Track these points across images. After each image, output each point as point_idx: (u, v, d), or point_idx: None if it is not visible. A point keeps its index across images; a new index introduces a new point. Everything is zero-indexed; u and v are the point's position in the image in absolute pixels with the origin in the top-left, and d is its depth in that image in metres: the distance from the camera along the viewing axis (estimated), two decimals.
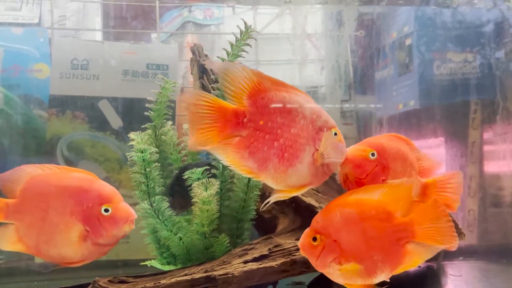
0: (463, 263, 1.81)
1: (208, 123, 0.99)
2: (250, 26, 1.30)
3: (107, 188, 1.14)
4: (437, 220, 1.03)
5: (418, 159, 1.24)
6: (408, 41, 2.25)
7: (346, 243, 1.03)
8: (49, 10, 2.22)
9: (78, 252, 1.12)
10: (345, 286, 1.08)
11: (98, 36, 2.34)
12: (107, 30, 2.24)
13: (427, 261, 1.65)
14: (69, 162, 1.81)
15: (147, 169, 1.29)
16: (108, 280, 1.19)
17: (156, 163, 1.34)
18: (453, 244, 1.03)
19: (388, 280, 1.07)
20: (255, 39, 1.32)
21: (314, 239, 1.04)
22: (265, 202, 1.06)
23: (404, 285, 1.54)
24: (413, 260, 1.05)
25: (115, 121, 1.87)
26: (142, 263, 1.41)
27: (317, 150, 1.02)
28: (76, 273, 1.62)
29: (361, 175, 1.13)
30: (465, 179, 2.05)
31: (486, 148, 2.08)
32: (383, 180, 1.14)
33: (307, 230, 1.07)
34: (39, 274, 1.67)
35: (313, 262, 1.05)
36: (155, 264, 1.37)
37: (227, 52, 1.33)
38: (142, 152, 1.28)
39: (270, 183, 1.04)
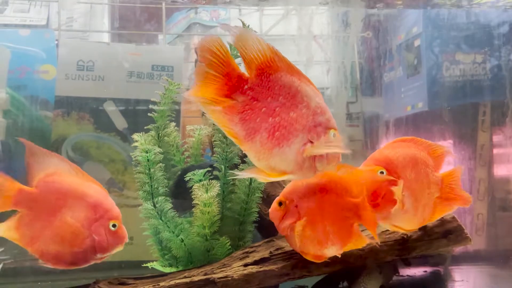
0: (471, 268, 1.78)
1: (212, 74, 0.98)
2: (248, 26, 1.29)
3: (116, 206, 1.19)
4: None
5: (431, 151, 1.23)
6: (416, 43, 2.23)
7: (304, 209, 1.12)
8: (57, 12, 2.23)
9: (74, 256, 1.15)
10: (301, 254, 1.15)
11: (106, 37, 2.36)
12: (113, 32, 2.25)
13: (433, 265, 1.65)
14: (74, 163, 1.81)
15: (151, 170, 1.28)
16: (108, 282, 1.19)
17: (160, 164, 1.34)
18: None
19: (339, 256, 1.14)
20: None
21: (280, 204, 1.14)
22: (237, 174, 1.05)
23: None
24: (358, 242, 1.12)
25: (120, 122, 1.87)
26: (143, 265, 1.41)
27: (309, 141, 1.00)
28: (79, 274, 1.63)
29: (376, 199, 1.13)
30: (474, 182, 2.02)
31: (495, 151, 2.04)
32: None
33: (277, 198, 1.16)
34: (43, 274, 1.68)
35: (276, 225, 1.15)
36: (156, 266, 1.36)
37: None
38: (146, 152, 1.28)
39: (252, 157, 1.02)
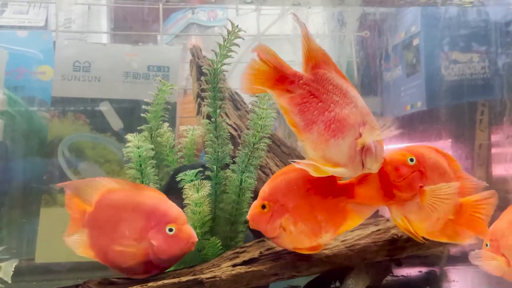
0: (468, 268, 1.77)
1: (268, 70, 1.04)
2: (237, 26, 1.29)
3: (174, 209, 1.20)
4: (373, 181, 1.13)
5: (460, 177, 1.22)
6: (415, 41, 2.22)
7: (291, 206, 1.13)
8: (55, 14, 2.24)
9: (139, 266, 1.18)
10: (294, 250, 1.16)
11: (104, 38, 2.37)
12: (109, 33, 2.26)
13: (428, 265, 1.65)
14: (69, 163, 1.83)
15: (142, 166, 1.29)
16: (98, 282, 1.19)
17: (152, 161, 1.34)
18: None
19: (333, 241, 1.19)
20: (243, 39, 1.31)
21: (263, 207, 1.14)
22: (297, 161, 1.09)
23: None
24: (354, 219, 1.15)
25: (116, 123, 1.88)
26: None
27: (360, 135, 1.04)
28: (79, 274, 1.65)
29: (398, 178, 1.14)
30: None
31: (493, 150, 2.03)
32: (420, 186, 1.14)
33: (255, 202, 1.16)
34: (39, 274, 1.69)
35: (263, 229, 1.15)
36: None
37: (215, 53, 1.32)
38: (138, 148, 1.28)
39: (309, 147, 1.07)
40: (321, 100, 1.05)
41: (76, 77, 1.90)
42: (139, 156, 1.27)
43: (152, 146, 1.35)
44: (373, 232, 1.24)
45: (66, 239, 1.20)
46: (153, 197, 1.21)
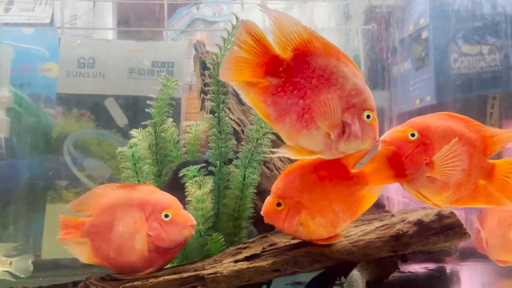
0: (478, 265, 1.74)
1: (246, 56, 1.01)
2: (241, 20, 1.27)
3: (167, 197, 1.22)
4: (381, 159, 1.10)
5: (485, 136, 1.15)
6: (424, 34, 2.18)
7: (308, 201, 1.11)
8: (61, 10, 2.25)
9: (143, 259, 1.19)
10: (313, 241, 1.16)
11: (110, 35, 2.37)
12: (114, 29, 2.26)
13: (438, 262, 1.62)
14: (75, 160, 1.83)
15: (137, 165, 1.28)
16: (100, 278, 1.19)
17: (148, 160, 1.33)
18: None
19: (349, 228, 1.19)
20: None
21: (278, 204, 1.12)
22: (272, 151, 1.09)
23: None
24: (369, 200, 1.14)
25: (121, 119, 1.88)
26: None
27: (342, 121, 1.01)
28: (84, 270, 1.65)
29: (401, 157, 1.10)
30: None
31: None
32: (425, 160, 1.09)
33: (268, 199, 1.14)
34: (45, 270, 1.70)
35: (280, 226, 1.13)
36: None
37: (219, 47, 1.31)
38: (131, 147, 1.27)
39: (283, 135, 1.05)
40: (296, 88, 1.01)
41: (81, 73, 1.90)
42: (133, 155, 1.26)
43: (147, 146, 1.34)
44: (377, 227, 1.22)
45: (69, 248, 1.24)
46: (144, 190, 1.23)
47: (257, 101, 1.02)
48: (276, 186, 1.15)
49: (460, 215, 1.26)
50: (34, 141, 1.90)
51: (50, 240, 1.74)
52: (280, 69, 1.01)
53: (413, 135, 1.10)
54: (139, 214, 1.18)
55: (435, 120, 1.14)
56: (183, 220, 1.18)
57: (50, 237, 1.74)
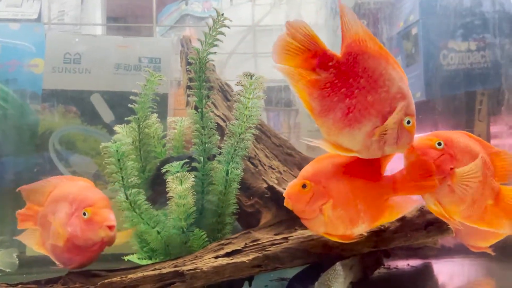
0: (463, 260, 1.74)
1: (298, 46, 1.01)
2: (222, 14, 1.26)
3: (95, 194, 1.22)
4: (417, 175, 1.09)
5: (500, 160, 1.21)
6: (414, 31, 2.17)
7: (334, 190, 1.09)
8: (48, 6, 2.24)
9: (63, 254, 1.21)
10: (324, 235, 1.12)
11: (99, 30, 2.36)
12: (102, 24, 2.24)
13: (424, 257, 1.62)
14: (60, 156, 1.82)
15: (121, 161, 1.27)
16: (81, 274, 1.18)
17: (132, 155, 1.32)
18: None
19: (365, 234, 1.14)
20: (229, 28, 1.28)
21: (304, 186, 1.09)
22: (311, 141, 1.08)
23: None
24: (393, 214, 1.11)
25: (107, 115, 1.87)
26: (123, 257, 1.40)
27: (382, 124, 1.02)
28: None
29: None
30: None
31: (492, 141, 1.98)
32: (451, 168, 1.13)
33: (295, 181, 1.12)
34: (29, 267, 1.68)
35: (301, 209, 1.10)
36: (133, 258, 1.35)
37: (201, 42, 1.30)
38: (115, 143, 1.26)
39: (323, 131, 1.05)
40: (345, 85, 1.01)
41: (67, 69, 1.89)
42: (117, 151, 1.25)
43: (131, 141, 1.33)
44: None
45: (23, 237, 1.28)
46: (80, 186, 1.25)
47: (304, 92, 1.02)
48: (306, 169, 1.13)
49: None
50: (20, 137, 1.89)
51: None
52: (330, 64, 1.01)
53: (439, 144, 1.15)
54: (68, 209, 1.19)
55: (457, 136, 1.19)
56: (100, 219, 1.16)
57: None
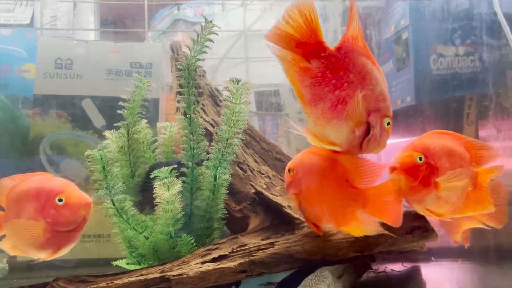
0: (454, 264, 1.75)
1: (297, 27, 1.03)
2: (211, 21, 1.27)
3: (59, 182, 1.24)
4: (385, 197, 1.09)
5: (474, 148, 1.26)
6: (404, 35, 2.19)
7: (305, 185, 1.15)
8: (41, 11, 2.24)
9: (46, 245, 1.21)
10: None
11: (92, 35, 2.36)
12: (94, 30, 2.25)
13: (412, 261, 1.63)
14: (51, 161, 1.82)
15: (106, 168, 1.27)
16: (68, 280, 1.19)
17: (118, 162, 1.33)
18: (397, 223, 1.10)
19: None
20: (217, 34, 1.29)
21: (289, 170, 1.18)
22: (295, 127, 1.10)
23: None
24: (356, 230, 1.12)
25: (98, 120, 1.87)
26: (112, 262, 1.41)
27: (367, 122, 1.05)
28: (59, 271, 1.64)
29: (413, 183, 1.17)
30: None
31: None
32: (434, 181, 1.17)
33: (290, 161, 1.20)
34: (20, 272, 1.69)
35: (286, 188, 1.20)
36: (121, 263, 1.36)
37: (189, 48, 1.31)
38: (100, 150, 1.27)
39: (311, 121, 1.07)
40: (335, 78, 1.04)
41: (58, 74, 1.89)
42: (101, 158, 1.26)
43: (114, 147, 1.34)
44: None
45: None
46: (38, 180, 1.25)
47: (295, 79, 1.04)
48: (297, 156, 1.20)
49: None
50: (11, 142, 1.89)
51: None
52: (322, 54, 1.04)
53: (420, 158, 1.18)
54: (36, 202, 1.20)
55: (431, 140, 1.23)
56: (77, 201, 1.20)
57: None
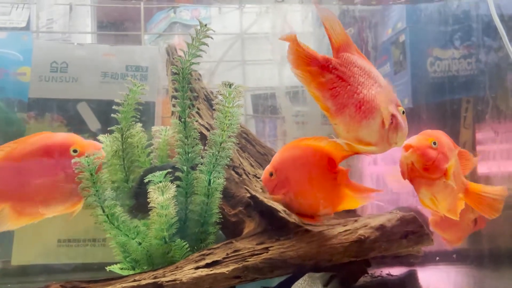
0: (451, 268, 1.75)
1: (303, 51, 1.11)
2: (206, 25, 1.27)
3: (64, 135, 1.32)
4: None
5: (464, 158, 1.36)
6: (402, 38, 2.19)
7: (293, 180, 1.20)
8: (37, 14, 2.24)
9: (69, 198, 1.27)
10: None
11: (88, 38, 2.36)
12: (90, 32, 2.25)
13: (409, 265, 1.62)
14: None
15: (94, 175, 1.26)
16: (60, 285, 1.18)
17: (107, 168, 1.32)
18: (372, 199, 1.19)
19: (332, 215, 1.25)
20: (212, 38, 1.29)
21: (271, 174, 1.23)
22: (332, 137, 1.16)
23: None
24: (352, 203, 1.21)
25: (93, 124, 1.87)
26: (106, 267, 1.40)
27: (391, 113, 1.10)
28: (54, 276, 1.64)
29: (427, 162, 1.22)
30: None
31: (478, 148, 2.00)
32: (446, 169, 1.23)
33: (267, 166, 1.25)
34: (14, 276, 1.68)
35: (270, 193, 1.24)
36: (115, 269, 1.35)
37: (184, 52, 1.30)
38: (86, 157, 1.26)
39: (342, 130, 1.12)
40: (349, 83, 1.10)
41: (54, 78, 1.89)
42: (88, 164, 1.25)
43: (101, 153, 1.35)
44: (340, 233, 1.21)
45: None
46: (41, 139, 1.28)
47: (317, 94, 1.11)
48: (275, 157, 1.25)
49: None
50: None
51: (21, 246, 1.73)
52: (330, 66, 1.10)
53: (435, 143, 1.24)
54: (50, 159, 1.23)
55: (441, 135, 1.31)
56: (91, 146, 1.28)
57: (21, 243, 1.73)
